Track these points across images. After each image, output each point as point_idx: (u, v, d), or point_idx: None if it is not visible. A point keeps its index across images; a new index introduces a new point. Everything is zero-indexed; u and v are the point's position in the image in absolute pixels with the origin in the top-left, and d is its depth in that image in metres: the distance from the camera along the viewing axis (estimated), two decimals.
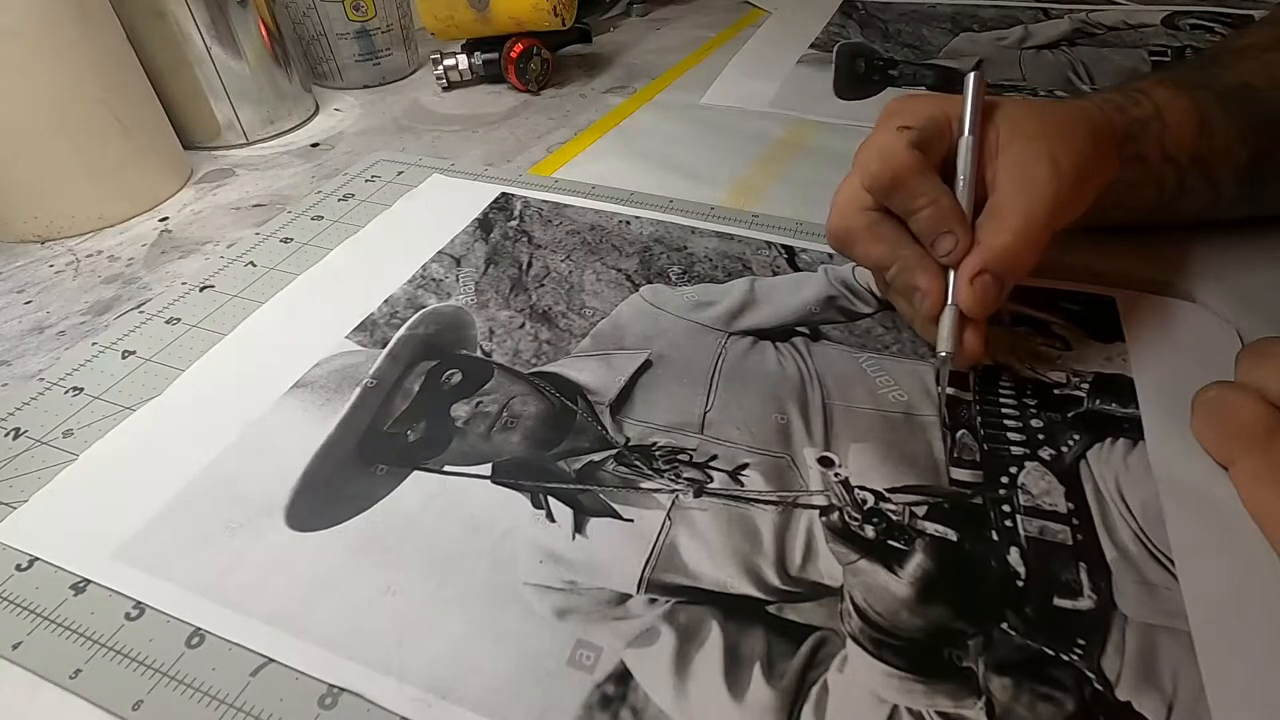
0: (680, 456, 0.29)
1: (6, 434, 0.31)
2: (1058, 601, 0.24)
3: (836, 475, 0.28)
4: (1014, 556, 0.25)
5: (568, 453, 0.30)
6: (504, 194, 0.46)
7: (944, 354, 0.29)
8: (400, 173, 0.49)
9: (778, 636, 0.23)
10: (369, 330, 0.36)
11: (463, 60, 0.62)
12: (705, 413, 0.31)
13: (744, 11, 0.76)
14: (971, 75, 0.31)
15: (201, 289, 0.39)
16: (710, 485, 0.28)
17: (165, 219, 0.47)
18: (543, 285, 0.39)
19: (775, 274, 0.39)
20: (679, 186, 0.47)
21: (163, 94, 0.50)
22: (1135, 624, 0.23)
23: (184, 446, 0.30)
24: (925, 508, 0.27)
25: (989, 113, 0.31)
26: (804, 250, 0.40)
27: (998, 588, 0.25)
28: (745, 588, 0.25)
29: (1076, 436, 0.29)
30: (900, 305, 0.33)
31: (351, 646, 0.23)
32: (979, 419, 0.30)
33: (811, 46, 0.65)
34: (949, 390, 0.31)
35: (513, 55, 0.59)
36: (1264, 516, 0.26)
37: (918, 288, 0.30)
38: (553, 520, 0.27)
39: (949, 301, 0.30)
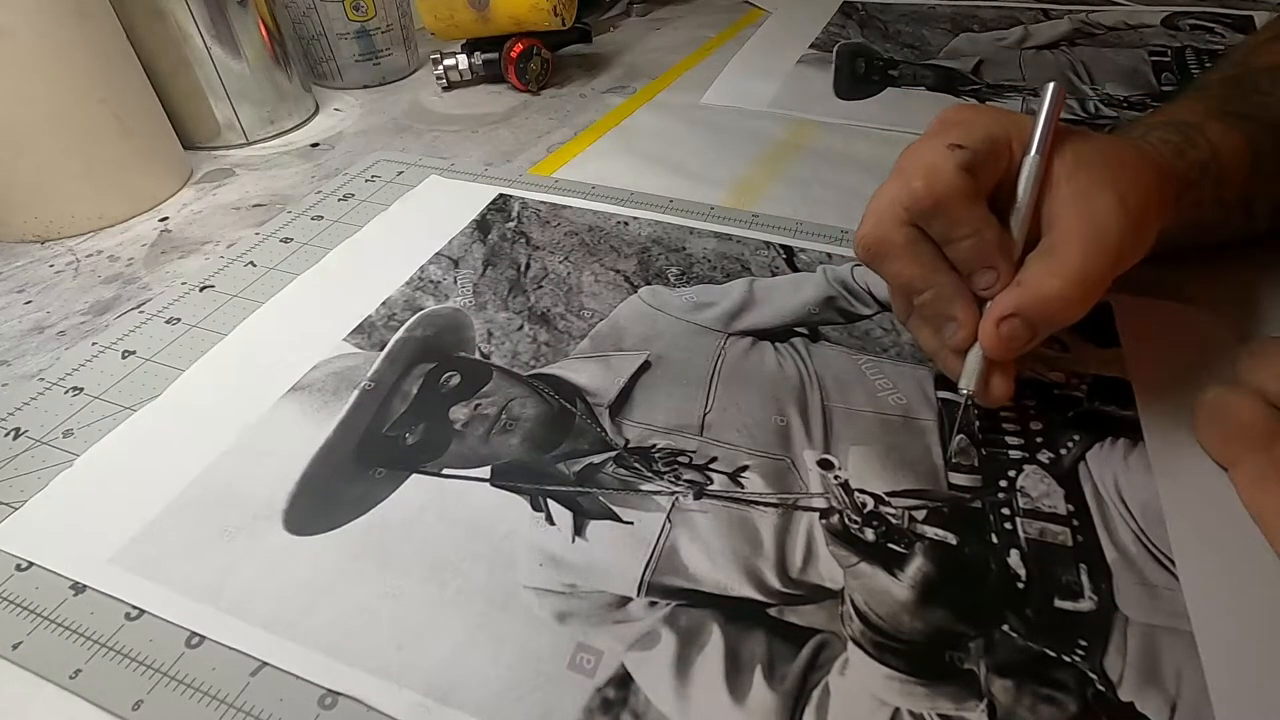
0: (680, 458, 0.29)
1: (6, 434, 0.31)
2: (1059, 603, 0.24)
3: (836, 478, 0.28)
4: (1014, 559, 0.25)
5: (567, 455, 0.30)
6: (502, 195, 0.46)
7: (965, 392, 0.27)
8: (400, 173, 0.49)
9: (779, 639, 0.23)
10: (367, 332, 0.36)
11: (463, 60, 0.62)
12: (705, 414, 0.31)
13: (744, 11, 0.76)
14: (1051, 86, 0.27)
15: (201, 289, 0.39)
16: (710, 487, 0.28)
17: (165, 219, 0.47)
18: (541, 287, 0.38)
19: (774, 274, 0.39)
20: (679, 186, 0.47)
21: (163, 94, 0.50)
22: (1137, 625, 0.23)
23: (181, 450, 0.30)
24: (925, 512, 0.27)
25: (1054, 138, 0.28)
26: (803, 250, 0.40)
27: (998, 590, 0.25)
28: (746, 590, 0.25)
29: (1076, 437, 0.29)
30: (922, 335, 0.30)
31: (350, 650, 0.23)
32: (977, 423, 0.30)
33: (811, 46, 0.65)
34: (959, 440, 0.30)
35: (513, 55, 0.59)
36: (1264, 518, 0.26)
37: (953, 318, 0.28)
38: (552, 523, 0.27)
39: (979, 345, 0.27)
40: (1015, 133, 0.28)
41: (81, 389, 0.33)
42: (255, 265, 0.41)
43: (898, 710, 0.22)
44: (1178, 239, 0.32)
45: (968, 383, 0.27)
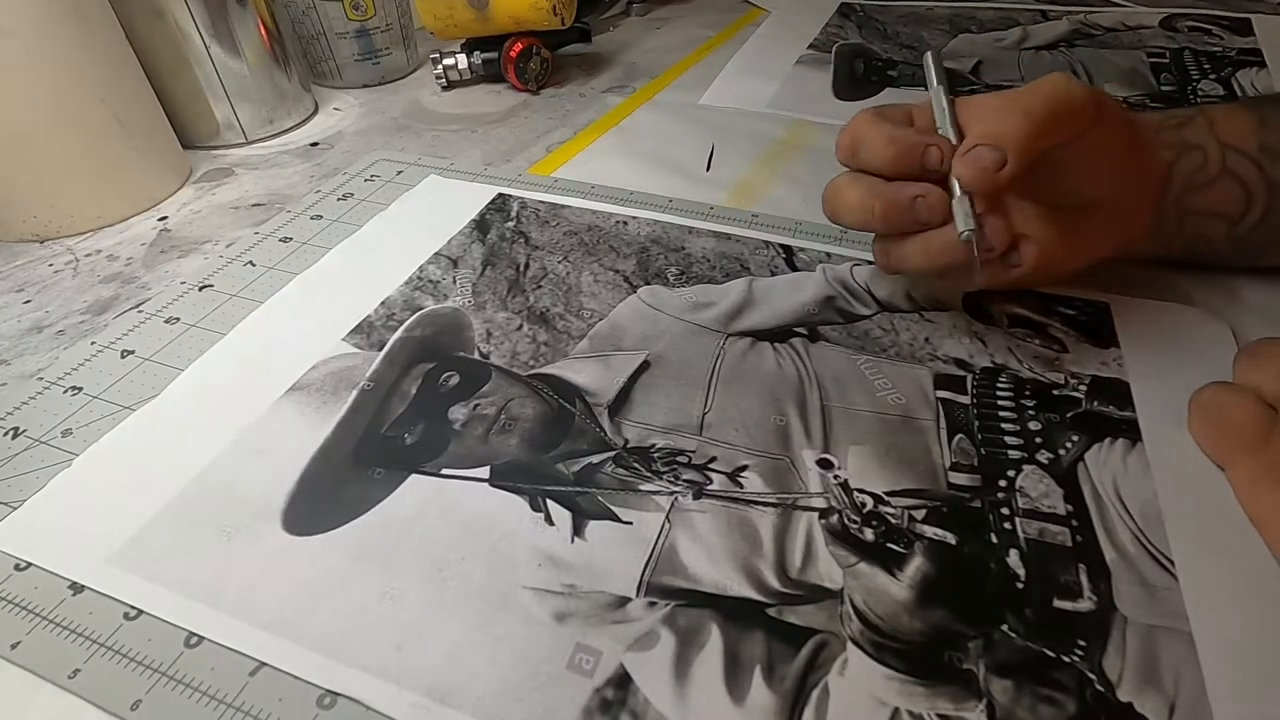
0: (679, 458, 0.29)
1: (5, 433, 0.31)
2: (1058, 603, 0.24)
3: (836, 477, 0.28)
4: (1013, 559, 0.25)
5: (566, 455, 0.30)
6: (501, 195, 0.46)
7: (965, 233, 0.29)
8: (400, 172, 0.49)
9: (778, 639, 0.23)
10: (366, 332, 0.36)
11: (462, 60, 0.62)
12: (704, 414, 0.31)
13: (743, 11, 0.76)
14: (928, 53, 0.34)
15: (200, 288, 0.39)
16: (709, 487, 0.28)
17: (164, 218, 0.47)
18: (540, 287, 0.38)
19: (773, 274, 0.39)
20: (678, 186, 0.47)
21: (162, 94, 0.50)
22: (1136, 625, 0.23)
23: (180, 450, 0.30)
24: (924, 511, 0.27)
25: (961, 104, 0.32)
26: (802, 250, 0.40)
27: (997, 590, 0.25)
28: (745, 590, 0.25)
29: (1075, 438, 0.29)
30: (909, 253, 0.31)
31: (349, 651, 0.23)
32: (976, 423, 0.30)
33: (810, 47, 0.65)
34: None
35: (512, 55, 0.59)
36: (1260, 518, 0.26)
37: (915, 195, 0.29)
38: (551, 523, 0.27)
39: (957, 195, 0.29)
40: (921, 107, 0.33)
41: (80, 388, 0.33)
42: (254, 265, 0.41)
43: (897, 710, 0.22)
44: (1225, 212, 0.33)
45: (964, 224, 0.29)
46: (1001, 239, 0.30)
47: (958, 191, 0.29)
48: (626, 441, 0.30)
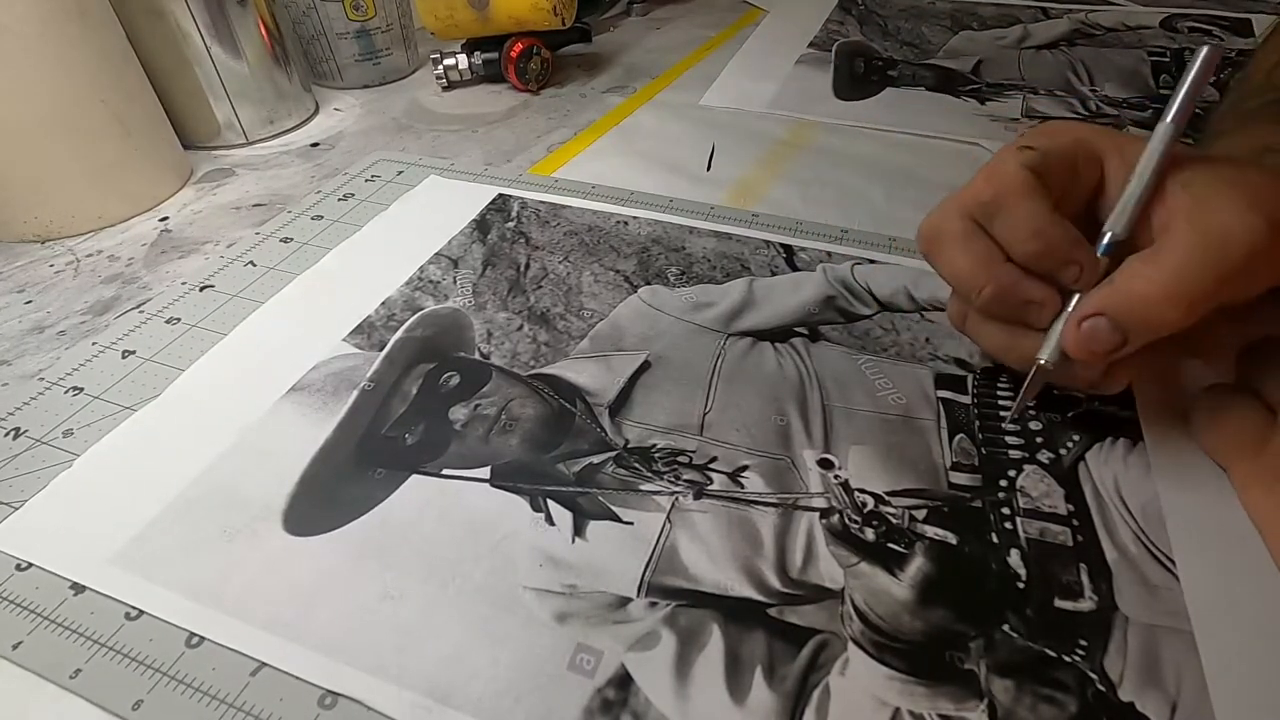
0: (680, 458, 0.29)
1: (6, 434, 0.31)
2: (1059, 603, 0.24)
3: (836, 477, 0.28)
4: (1014, 559, 0.25)
5: (567, 455, 0.30)
6: (501, 195, 0.46)
7: (1041, 360, 0.26)
8: (400, 172, 0.49)
9: (779, 639, 0.23)
10: (366, 333, 0.36)
11: (463, 60, 0.62)
12: (704, 414, 0.31)
13: (743, 11, 0.76)
14: (1204, 49, 0.24)
15: (201, 289, 0.39)
16: (710, 487, 0.28)
17: (165, 219, 0.47)
18: (540, 287, 0.38)
19: (774, 274, 0.39)
20: (679, 186, 0.47)
21: (163, 94, 0.50)
22: (1137, 624, 0.23)
23: (181, 450, 0.30)
24: (925, 511, 0.27)
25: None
26: (802, 249, 0.40)
27: (998, 590, 0.25)
28: (746, 590, 0.25)
29: (1076, 437, 0.29)
30: (984, 335, 0.29)
31: (350, 651, 0.23)
32: (977, 423, 0.30)
33: (810, 45, 0.65)
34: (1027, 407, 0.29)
35: (513, 55, 0.59)
36: (1262, 519, 0.26)
37: (1031, 300, 0.26)
38: (552, 523, 0.27)
39: (1067, 310, 0.26)
40: (1110, 146, 0.26)
41: (81, 389, 0.33)
42: (255, 265, 0.41)
43: (898, 710, 0.22)
44: None
45: (1045, 354, 0.26)
46: (1090, 381, 0.27)
47: (1068, 311, 0.26)
48: (627, 441, 0.30)
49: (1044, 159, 0.25)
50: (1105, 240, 0.26)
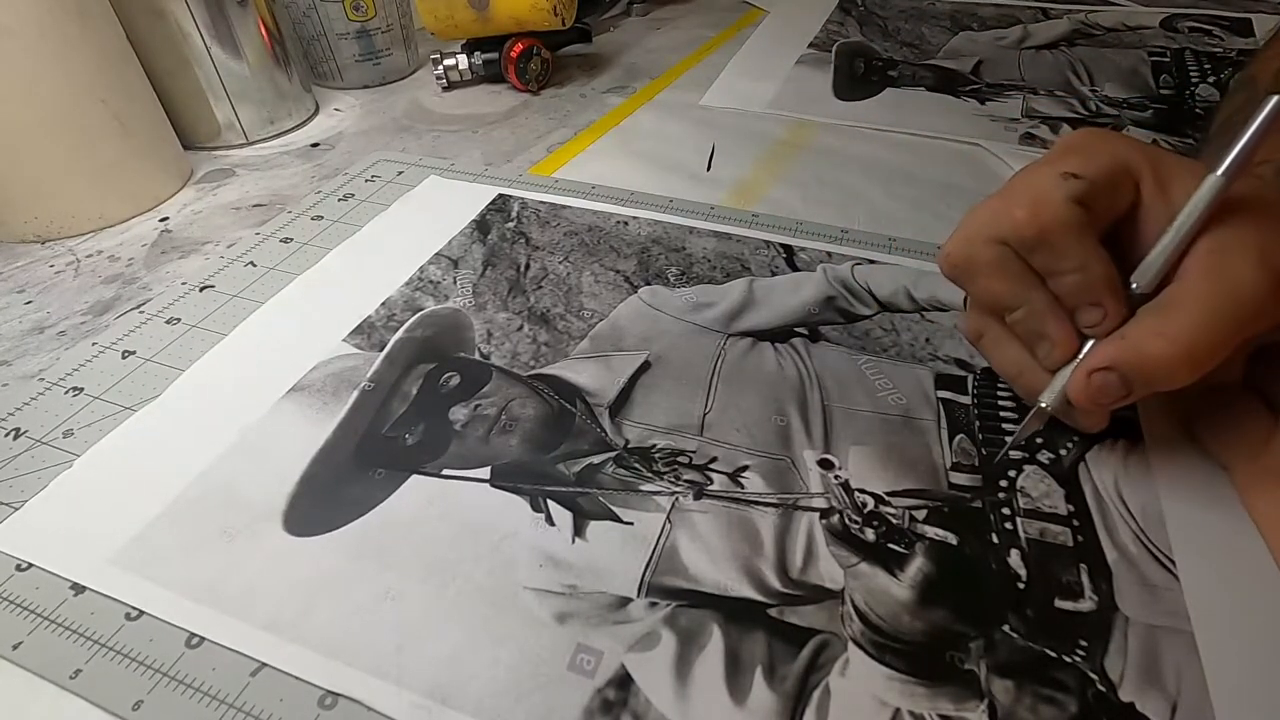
0: (680, 459, 0.29)
1: (7, 434, 0.31)
2: (1059, 603, 0.24)
3: (836, 478, 0.28)
4: (1015, 559, 0.25)
5: (567, 455, 0.30)
6: (501, 195, 0.46)
7: (1043, 404, 0.26)
8: (400, 173, 0.49)
9: (779, 640, 0.23)
10: (366, 333, 0.36)
11: (463, 60, 0.62)
12: (704, 414, 0.31)
13: (743, 11, 0.76)
14: (1274, 99, 0.22)
15: (201, 289, 0.39)
16: (710, 487, 0.28)
17: (165, 219, 0.47)
18: (541, 287, 0.38)
19: (774, 274, 0.39)
20: (679, 186, 0.47)
21: (163, 94, 0.50)
22: (1137, 625, 0.23)
23: (181, 451, 0.30)
24: (925, 511, 0.27)
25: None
26: (802, 250, 0.40)
27: (999, 590, 0.25)
28: (746, 591, 0.25)
29: (1076, 438, 0.29)
30: (999, 353, 0.29)
31: (350, 651, 0.23)
32: (977, 423, 0.30)
33: (810, 46, 0.65)
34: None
35: (513, 55, 0.59)
36: (1262, 520, 0.26)
37: (1045, 336, 0.26)
38: (552, 523, 0.27)
39: (1077, 359, 0.26)
40: (1145, 164, 0.25)
41: (81, 389, 0.33)
42: (255, 265, 0.41)
43: (898, 711, 0.22)
44: None
45: (1047, 397, 0.26)
46: (1092, 427, 0.27)
47: (1079, 359, 0.26)
48: (627, 442, 0.30)
49: (1090, 190, 0.24)
50: (1132, 289, 0.25)
